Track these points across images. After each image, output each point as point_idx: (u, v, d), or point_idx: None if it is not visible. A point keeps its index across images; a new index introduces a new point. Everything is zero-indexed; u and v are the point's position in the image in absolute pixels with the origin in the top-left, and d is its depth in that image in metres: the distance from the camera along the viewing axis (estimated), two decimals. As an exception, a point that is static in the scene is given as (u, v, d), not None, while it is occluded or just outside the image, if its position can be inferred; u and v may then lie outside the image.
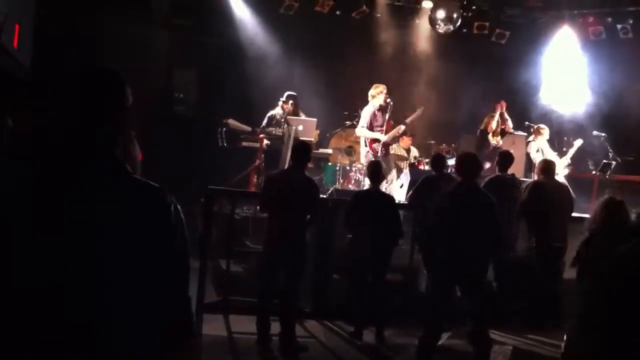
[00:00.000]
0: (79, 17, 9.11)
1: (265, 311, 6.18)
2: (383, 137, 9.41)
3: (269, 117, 9.68)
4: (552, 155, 9.74)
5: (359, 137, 9.94)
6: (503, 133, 10.14)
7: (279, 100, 9.72)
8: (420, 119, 10.05)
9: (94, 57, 8.16)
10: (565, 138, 10.73)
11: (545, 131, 10.03)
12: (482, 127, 10.24)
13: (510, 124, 10.15)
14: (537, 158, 9.45)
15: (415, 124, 10.14)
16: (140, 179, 1.96)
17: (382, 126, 9.46)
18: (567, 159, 10.03)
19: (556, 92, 11.88)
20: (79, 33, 8.91)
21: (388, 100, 9.34)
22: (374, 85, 9.53)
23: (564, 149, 10.31)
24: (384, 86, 9.47)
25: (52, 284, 1.78)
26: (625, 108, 11.03)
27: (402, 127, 9.55)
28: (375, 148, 9.46)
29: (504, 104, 10.08)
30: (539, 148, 9.88)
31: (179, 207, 1.97)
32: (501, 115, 10.12)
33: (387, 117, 9.42)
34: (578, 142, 10.04)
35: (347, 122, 10.49)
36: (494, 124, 10.07)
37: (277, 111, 9.70)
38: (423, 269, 6.79)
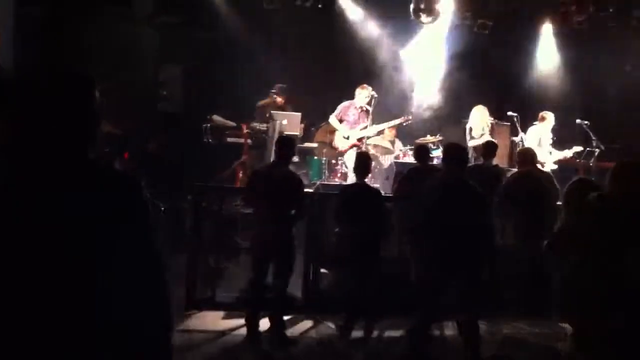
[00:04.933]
0: (62, 16, 9.04)
1: (255, 306, 6.20)
2: (345, 132, 9.49)
3: (258, 108, 9.71)
4: (546, 145, 9.70)
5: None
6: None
7: (270, 91, 9.76)
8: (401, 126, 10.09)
9: (78, 57, 8.11)
10: (556, 127, 10.63)
11: (549, 117, 9.83)
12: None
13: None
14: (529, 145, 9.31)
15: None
16: (114, 173, 1.98)
17: (354, 125, 9.55)
18: (560, 155, 9.91)
19: (539, 81, 11.95)
20: (63, 33, 8.85)
21: (368, 106, 9.44)
22: (361, 85, 9.60)
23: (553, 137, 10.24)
24: (370, 89, 9.53)
25: (26, 289, 1.78)
26: (610, 96, 11.09)
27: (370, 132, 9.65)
28: (336, 145, 9.54)
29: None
30: (537, 135, 9.73)
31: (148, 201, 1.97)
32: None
33: (366, 120, 9.50)
34: (577, 148, 9.93)
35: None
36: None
37: (267, 102, 9.73)
38: (412, 260, 6.81)
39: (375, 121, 9.67)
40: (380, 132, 10.02)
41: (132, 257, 1.88)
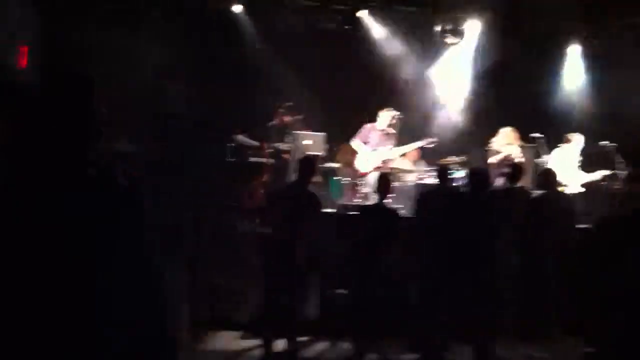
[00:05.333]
0: (69, 27, 9.13)
1: (270, 327, 6.12)
2: (367, 155, 9.50)
3: (269, 129, 9.74)
4: (572, 168, 9.53)
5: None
6: None
7: (278, 110, 9.77)
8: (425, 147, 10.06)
9: (78, 57, 8.16)
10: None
11: (576, 139, 9.66)
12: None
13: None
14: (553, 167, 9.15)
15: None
16: (113, 174, 1.95)
17: (375, 147, 9.58)
18: (587, 178, 9.75)
19: (565, 103, 11.80)
20: (69, 44, 8.91)
21: (390, 129, 9.48)
22: (383, 108, 9.65)
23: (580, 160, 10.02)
24: (392, 112, 9.55)
25: (24, 289, 1.77)
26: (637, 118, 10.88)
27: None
28: (357, 167, 9.53)
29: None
30: (562, 157, 9.58)
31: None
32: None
33: (389, 142, 9.53)
34: (604, 172, 9.74)
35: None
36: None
37: (276, 122, 9.76)
38: (424, 282, 6.71)
39: (399, 142, 9.63)
40: (403, 155, 9.97)
41: (127, 258, 1.87)
